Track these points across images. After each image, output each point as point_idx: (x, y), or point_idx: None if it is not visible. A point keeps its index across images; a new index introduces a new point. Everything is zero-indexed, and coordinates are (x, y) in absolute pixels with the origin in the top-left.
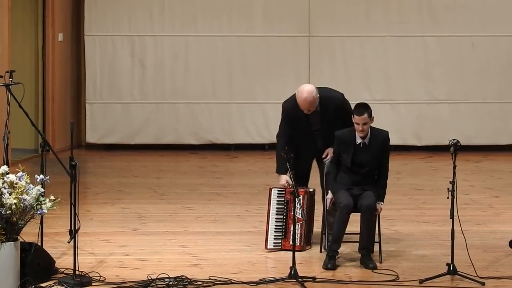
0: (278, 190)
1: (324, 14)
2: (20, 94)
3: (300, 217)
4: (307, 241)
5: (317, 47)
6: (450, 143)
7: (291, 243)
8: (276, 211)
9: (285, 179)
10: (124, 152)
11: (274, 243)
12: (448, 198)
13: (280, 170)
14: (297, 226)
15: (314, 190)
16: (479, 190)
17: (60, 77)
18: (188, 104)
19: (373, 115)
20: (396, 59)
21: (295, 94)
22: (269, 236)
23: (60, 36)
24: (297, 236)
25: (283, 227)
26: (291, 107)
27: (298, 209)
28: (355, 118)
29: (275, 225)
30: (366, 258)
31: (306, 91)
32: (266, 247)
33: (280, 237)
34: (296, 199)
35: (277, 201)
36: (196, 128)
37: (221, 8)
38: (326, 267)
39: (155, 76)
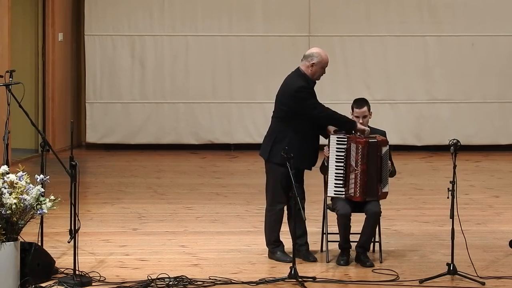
0: (337, 137)
1: (324, 14)
2: (20, 94)
3: (355, 167)
4: (370, 194)
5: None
6: (450, 143)
7: (350, 192)
8: (336, 158)
9: (361, 124)
10: (124, 152)
11: (335, 191)
12: (448, 198)
13: (354, 122)
14: (351, 175)
15: (378, 141)
16: (479, 190)
17: (60, 77)
18: (188, 104)
19: (371, 110)
20: (396, 59)
21: (296, 73)
22: (329, 184)
23: (60, 36)
24: (352, 186)
25: (344, 175)
26: (309, 80)
27: (353, 157)
28: (355, 111)
29: (335, 173)
30: (363, 256)
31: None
32: (325, 194)
33: (342, 185)
34: (352, 145)
35: (337, 148)
36: (196, 128)
37: (221, 7)
38: (339, 263)
39: (155, 76)
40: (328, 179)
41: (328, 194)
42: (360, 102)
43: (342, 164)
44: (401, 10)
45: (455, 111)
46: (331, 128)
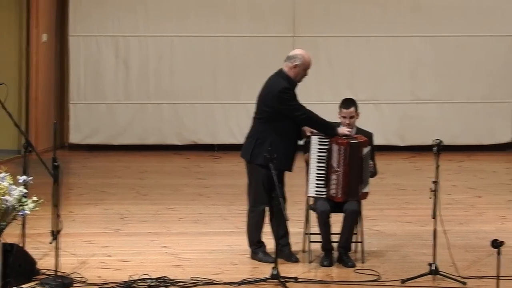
0: (319, 138)
1: (309, 14)
2: (3, 94)
3: (336, 168)
4: (352, 194)
5: (302, 47)
6: (433, 143)
7: (331, 193)
8: (318, 159)
9: (342, 129)
10: (108, 152)
11: (316, 191)
12: (430, 198)
13: (334, 127)
14: (332, 176)
15: (359, 142)
16: (461, 190)
17: (44, 77)
18: (172, 105)
19: (359, 111)
20: (381, 59)
21: (279, 75)
22: (310, 184)
23: (44, 37)
24: (333, 186)
25: (325, 175)
26: (291, 81)
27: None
28: (342, 112)
29: (317, 173)
30: (345, 256)
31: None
32: (306, 194)
33: (323, 186)
34: (334, 146)
35: (318, 149)
36: (180, 128)
37: (206, 8)
38: (322, 264)
39: (139, 76)
40: (309, 179)
41: (309, 194)
42: (347, 103)
43: (323, 165)
44: (386, 10)
45: (439, 111)
46: (307, 129)
